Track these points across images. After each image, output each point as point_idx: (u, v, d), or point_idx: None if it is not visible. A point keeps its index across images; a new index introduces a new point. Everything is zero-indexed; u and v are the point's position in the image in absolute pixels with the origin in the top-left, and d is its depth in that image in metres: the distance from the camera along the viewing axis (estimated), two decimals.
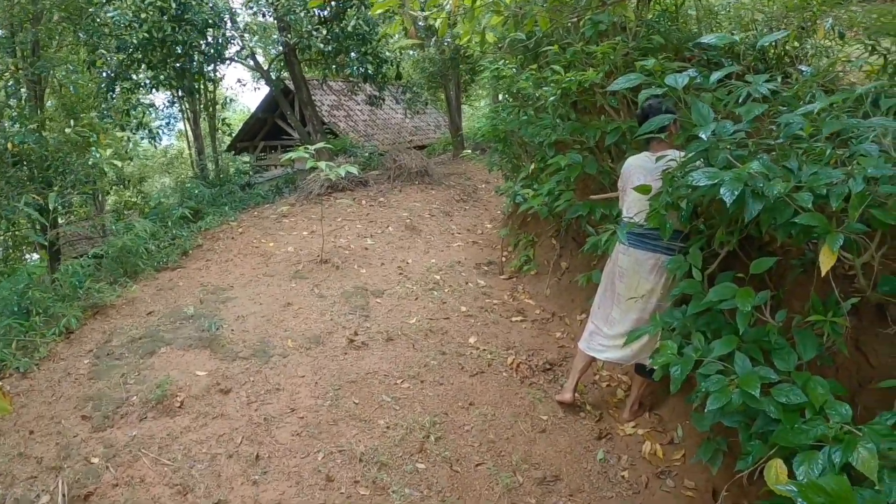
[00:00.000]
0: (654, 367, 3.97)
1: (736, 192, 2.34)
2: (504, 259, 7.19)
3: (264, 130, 20.88)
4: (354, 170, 6.89)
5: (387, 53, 10.46)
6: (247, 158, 14.12)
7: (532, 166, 5.84)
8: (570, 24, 4.86)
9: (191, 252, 7.82)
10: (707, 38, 2.86)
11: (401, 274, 6.70)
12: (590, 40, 4.72)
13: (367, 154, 12.13)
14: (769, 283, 3.79)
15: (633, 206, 3.88)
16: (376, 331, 5.30)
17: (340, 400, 4.27)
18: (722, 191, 2.37)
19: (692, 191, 2.75)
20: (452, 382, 4.57)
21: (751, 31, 5.34)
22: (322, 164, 6.74)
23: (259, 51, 13.37)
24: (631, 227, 3.76)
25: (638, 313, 3.98)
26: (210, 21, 9.44)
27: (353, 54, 10.03)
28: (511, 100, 6.68)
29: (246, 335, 5.21)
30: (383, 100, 12.48)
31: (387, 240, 7.95)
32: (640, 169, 3.88)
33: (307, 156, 6.73)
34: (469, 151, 8.25)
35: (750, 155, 2.70)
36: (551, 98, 4.58)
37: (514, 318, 5.85)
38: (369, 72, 10.22)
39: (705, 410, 2.73)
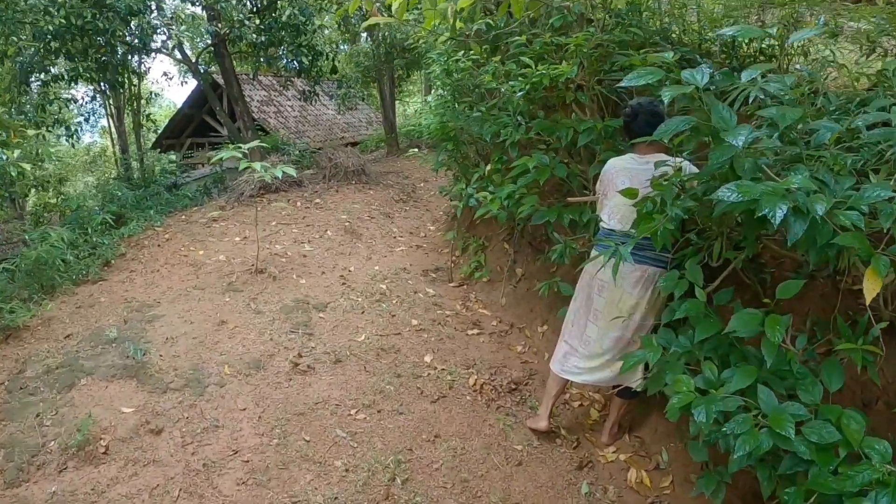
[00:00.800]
0: (639, 390, 3.66)
1: (783, 212, 1.97)
2: (453, 265, 6.76)
3: (191, 127, 19.89)
4: (292, 171, 6.30)
5: (322, 46, 9.85)
6: (173, 157, 13.21)
7: (488, 167, 5.42)
8: (531, 15, 4.47)
9: (113, 262, 7.05)
10: (728, 31, 2.48)
11: (344, 284, 6.17)
12: (557, 31, 4.34)
13: (298, 152, 11.47)
14: (764, 296, 3.50)
15: (615, 212, 3.54)
16: (322, 351, 4.77)
17: (289, 437, 3.74)
18: (766, 210, 1.99)
19: (711, 205, 2.39)
20: (413, 411, 4.10)
21: (720, 26, 5.09)
22: (256, 166, 6.14)
23: (187, 43, 12.48)
24: (634, 242, 3.31)
25: (619, 331, 3.61)
26: (134, 8, 8.59)
27: (286, 47, 9.35)
28: (458, 95, 6.25)
29: (177, 361, 4.60)
30: (317, 95, 11.82)
31: (326, 245, 7.39)
32: (624, 171, 3.52)
33: (239, 156, 6.11)
34: (416, 150, 7.75)
35: (781, 165, 2.34)
36: (518, 94, 4.17)
37: (469, 332, 5.43)
38: (304, 65, 9.57)
39: (733, 457, 2.37)
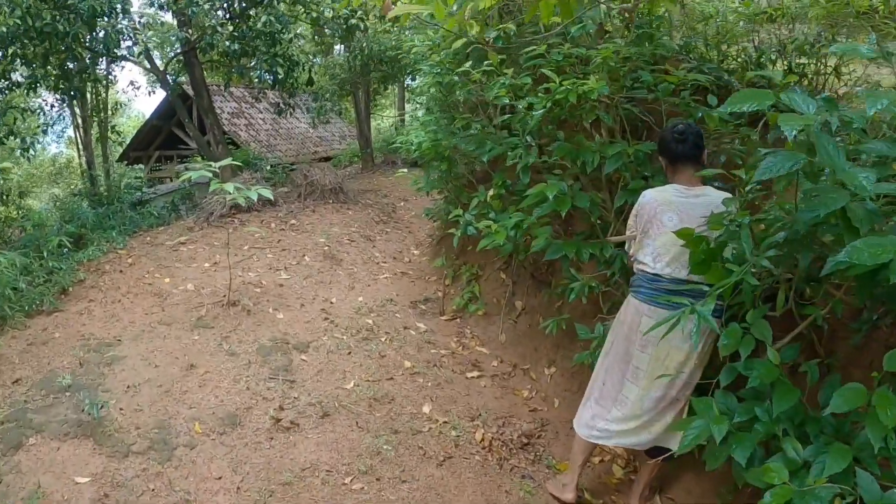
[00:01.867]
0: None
1: None
2: (443, 295, 6.23)
3: (160, 139, 19.16)
4: (268, 193, 5.73)
5: (298, 56, 9.27)
6: (140, 171, 12.47)
7: (490, 192, 4.91)
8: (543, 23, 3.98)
9: (71, 290, 6.38)
10: (836, 48, 2.00)
11: (326, 319, 5.60)
12: (576, 43, 3.87)
13: (270, 167, 10.84)
14: (820, 345, 3.04)
15: (661, 254, 3.06)
16: (307, 403, 4.21)
17: None
18: None
19: (822, 263, 1.91)
20: (417, 477, 3.55)
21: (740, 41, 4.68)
22: (228, 187, 5.53)
23: (156, 51, 11.80)
24: (712, 300, 2.51)
25: (663, 391, 3.11)
26: (98, 10, 7.90)
27: (260, 56, 8.73)
28: (455, 111, 5.76)
29: (139, 416, 3.99)
30: (292, 108, 11.21)
31: (304, 273, 6.80)
32: (669, 206, 3.05)
33: (209, 175, 5.52)
34: (405, 171, 7.23)
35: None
36: (537, 112, 3.67)
37: (469, 374, 4.91)
38: (279, 76, 8.98)
39: None
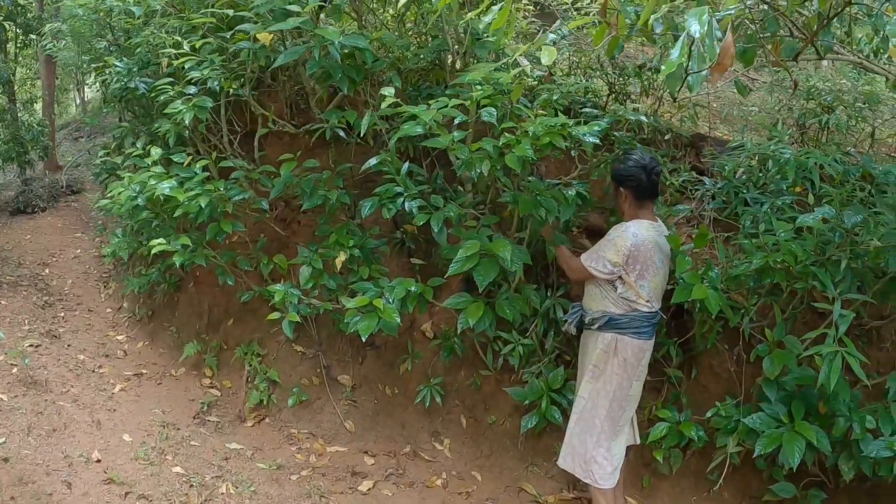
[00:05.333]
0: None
1: None
2: (245, 393, 4.78)
3: None
4: None
5: None
6: None
7: (338, 258, 3.85)
8: None
9: None
10: None
11: (124, 494, 3.71)
12: None
13: None
14: None
15: (655, 293, 3.21)
16: None
17: None
18: None
19: None
20: None
21: None
22: None
23: None
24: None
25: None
26: None
27: None
28: None
29: None
30: None
31: (20, 424, 4.28)
32: (655, 246, 3.16)
33: None
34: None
35: None
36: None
37: (359, 487, 3.91)
38: None
39: None
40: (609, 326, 3.22)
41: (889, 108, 5.09)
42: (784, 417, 3.12)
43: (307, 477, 3.99)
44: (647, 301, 3.15)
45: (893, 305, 3.22)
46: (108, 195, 4.65)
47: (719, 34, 1.74)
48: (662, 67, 1.77)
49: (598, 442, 3.26)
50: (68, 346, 5.56)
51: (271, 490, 3.83)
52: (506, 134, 3.06)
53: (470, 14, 2.85)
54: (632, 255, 3.09)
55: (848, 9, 2.57)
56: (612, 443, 3.29)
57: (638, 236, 3.11)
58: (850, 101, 4.47)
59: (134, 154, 4.55)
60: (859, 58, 3.03)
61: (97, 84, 7.28)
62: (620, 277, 3.14)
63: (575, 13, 4.41)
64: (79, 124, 12.29)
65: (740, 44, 2.48)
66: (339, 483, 3.95)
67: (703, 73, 1.78)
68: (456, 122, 3.15)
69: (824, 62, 4.53)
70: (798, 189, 3.64)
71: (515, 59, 2.94)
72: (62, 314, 6.21)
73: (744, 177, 3.93)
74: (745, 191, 3.82)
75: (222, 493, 3.77)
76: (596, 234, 3.63)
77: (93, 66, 5.54)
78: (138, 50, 4.73)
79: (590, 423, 3.29)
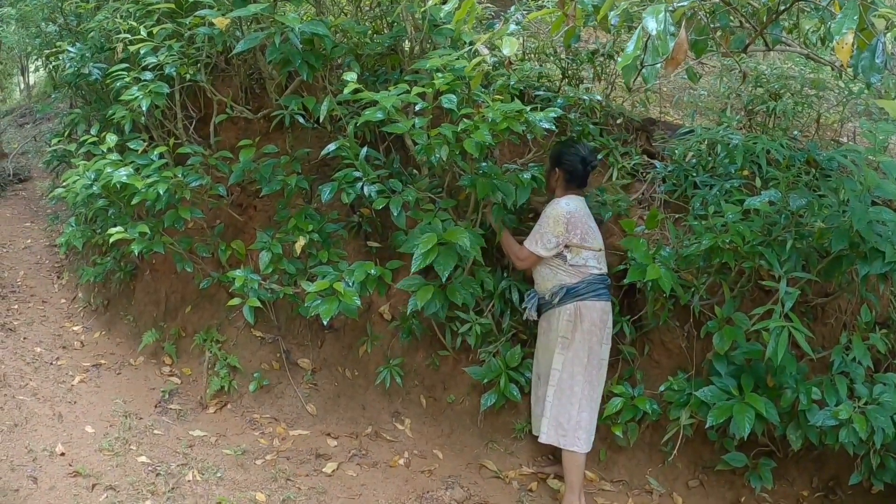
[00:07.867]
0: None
1: None
2: (205, 380, 4.78)
3: None
4: None
5: None
6: None
7: (298, 243, 3.87)
8: None
9: None
10: None
11: (91, 485, 3.70)
12: None
13: None
14: None
15: (601, 258, 3.53)
16: None
17: None
18: None
19: None
20: None
21: None
22: None
23: None
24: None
25: None
26: None
27: None
28: None
29: None
30: None
31: None
32: (589, 216, 3.54)
33: None
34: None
35: None
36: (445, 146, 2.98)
37: (324, 469, 3.95)
38: None
39: None
40: (569, 297, 3.41)
41: (835, 94, 5.26)
42: (734, 390, 3.28)
43: (272, 461, 4.02)
44: (598, 263, 3.45)
45: (836, 283, 3.40)
46: (62, 183, 4.55)
47: (673, 29, 1.83)
48: (618, 59, 1.86)
49: (580, 407, 3.44)
50: (24, 338, 5.46)
51: (237, 475, 3.85)
52: (465, 120, 3.12)
53: (431, 2, 2.87)
54: (570, 222, 3.38)
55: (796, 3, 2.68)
56: (594, 405, 3.50)
57: (570, 205, 3.43)
58: (797, 87, 4.64)
59: (88, 141, 4.47)
60: (806, 49, 3.17)
61: (43, 69, 7.07)
62: (567, 246, 3.37)
63: (531, 1, 4.46)
64: (24, 110, 11.89)
65: (692, 36, 2.57)
66: (303, 466, 3.99)
67: (658, 66, 1.87)
68: (417, 108, 3.20)
69: None
70: (746, 173, 3.80)
71: (476, 48, 2.99)
72: (16, 306, 6.08)
73: (694, 161, 4.07)
74: (694, 174, 3.97)
75: (189, 481, 3.78)
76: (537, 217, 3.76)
77: (44, 51, 5.40)
78: (91, 35, 4.64)
79: (568, 392, 3.44)
